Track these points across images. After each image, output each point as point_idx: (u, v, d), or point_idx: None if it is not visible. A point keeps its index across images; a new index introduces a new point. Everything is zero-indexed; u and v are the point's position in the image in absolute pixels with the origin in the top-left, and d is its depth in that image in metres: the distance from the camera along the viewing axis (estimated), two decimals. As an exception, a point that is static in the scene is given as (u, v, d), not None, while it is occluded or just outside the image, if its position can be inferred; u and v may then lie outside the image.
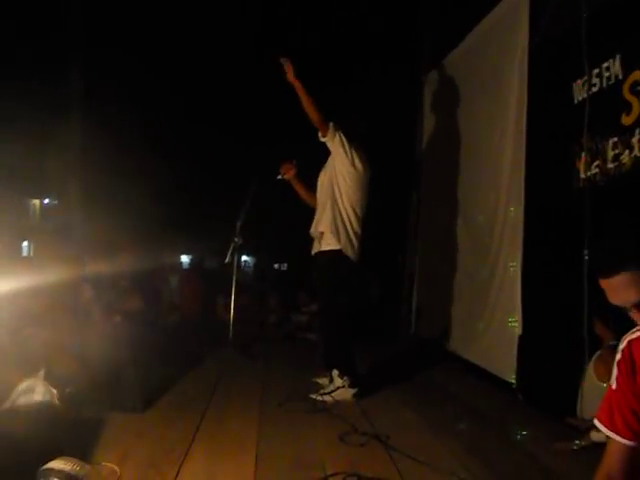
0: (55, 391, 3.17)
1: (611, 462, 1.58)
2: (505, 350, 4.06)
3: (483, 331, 4.48)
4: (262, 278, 8.68)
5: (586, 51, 3.32)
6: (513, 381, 3.96)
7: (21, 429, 2.76)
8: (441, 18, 5.86)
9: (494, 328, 4.32)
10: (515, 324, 3.97)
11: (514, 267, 4.02)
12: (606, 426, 1.59)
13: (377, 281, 7.60)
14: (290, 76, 4.02)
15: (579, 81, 3.54)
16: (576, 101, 3.60)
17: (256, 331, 6.41)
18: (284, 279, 9.19)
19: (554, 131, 3.84)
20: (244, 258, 9.13)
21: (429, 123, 6.13)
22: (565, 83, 3.68)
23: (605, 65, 3.29)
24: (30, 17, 7.41)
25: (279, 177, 4.49)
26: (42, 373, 3.19)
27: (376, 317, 6.31)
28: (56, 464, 1.93)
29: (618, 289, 1.49)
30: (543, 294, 3.79)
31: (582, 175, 3.46)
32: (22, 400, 2.99)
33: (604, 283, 1.51)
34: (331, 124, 4.05)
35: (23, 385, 3.08)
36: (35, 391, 3.07)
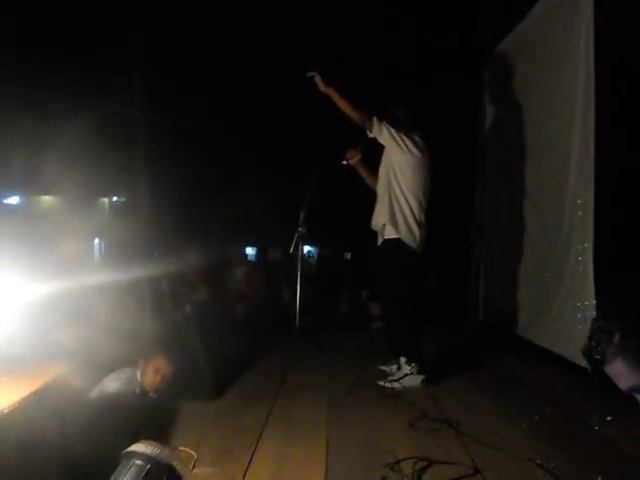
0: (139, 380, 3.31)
1: None
2: (579, 334, 3.94)
3: (556, 315, 4.36)
4: (330, 268, 8.69)
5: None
6: (587, 366, 3.84)
7: (106, 414, 2.91)
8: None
9: (567, 312, 4.18)
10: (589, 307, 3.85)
11: (587, 250, 3.89)
12: None
13: (433, 268, 7.49)
14: (321, 87, 4.06)
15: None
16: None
17: (323, 320, 6.45)
18: (351, 268, 9.16)
19: (624, 112, 3.68)
20: (307, 248, 9.13)
21: (492, 107, 5.98)
22: (635, 62, 3.52)
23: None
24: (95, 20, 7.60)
25: (344, 163, 4.54)
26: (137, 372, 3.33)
27: (442, 303, 6.24)
28: (138, 447, 2.00)
29: None
30: (618, 277, 3.66)
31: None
32: (110, 387, 3.13)
33: None
34: (374, 118, 4.03)
35: (113, 374, 3.22)
36: (122, 379, 3.21)
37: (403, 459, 2.64)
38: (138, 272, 4.91)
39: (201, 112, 7.71)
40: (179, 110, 7.52)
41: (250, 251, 8.16)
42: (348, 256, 11.77)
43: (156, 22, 7.71)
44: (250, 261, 7.70)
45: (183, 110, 7.56)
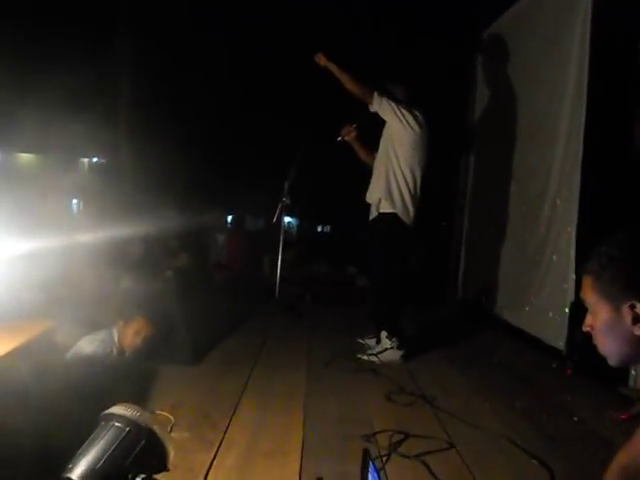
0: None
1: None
2: (556, 317, 3.99)
3: (534, 297, 4.41)
4: (310, 240, 8.71)
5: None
6: (563, 348, 3.90)
7: (81, 377, 2.88)
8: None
9: (545, 294, 4.24)
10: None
11: (569, 233, 3.91)
12: None
13: (423, 246, 7.53)
14: (322, 62, 4.12)
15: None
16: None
17: (302, 291, 6.46)
18: (329, 241, 9.19)
19: (616, 94, 3.68)
20: (287, 219, 9.11)
21: (483, 86, 5.94)
22: (630, 43, 3.51)
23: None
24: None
25: (339, 139, 4.51)
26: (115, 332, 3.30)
27: (423, 281, 6.27)
28: (117, 409, 1.98)
29: None
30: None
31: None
32: (85, 348, 3.10)
33: None
34: (375, 93, 4.03)
35: (88, 336, 3.19)
36: (97, 341, 3.18)
37: (379, 431, 2.66)
38: (118, 234, 4.86)
39: (189, 78, 7.57)
40: (166, 74, 7.38)
41: (231, 219, 8.11)
42: (327, 229, 11.78)
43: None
44: (231, 229, 7.65)
45: (171, 75, 7.42)
